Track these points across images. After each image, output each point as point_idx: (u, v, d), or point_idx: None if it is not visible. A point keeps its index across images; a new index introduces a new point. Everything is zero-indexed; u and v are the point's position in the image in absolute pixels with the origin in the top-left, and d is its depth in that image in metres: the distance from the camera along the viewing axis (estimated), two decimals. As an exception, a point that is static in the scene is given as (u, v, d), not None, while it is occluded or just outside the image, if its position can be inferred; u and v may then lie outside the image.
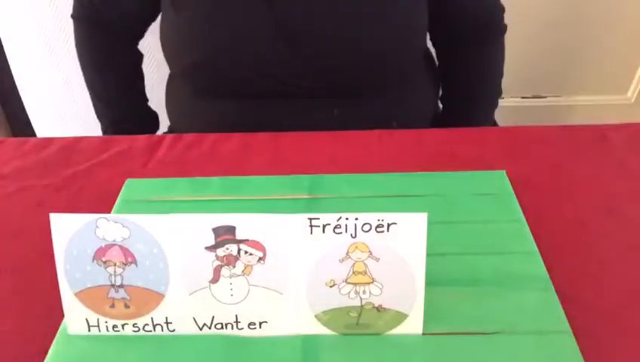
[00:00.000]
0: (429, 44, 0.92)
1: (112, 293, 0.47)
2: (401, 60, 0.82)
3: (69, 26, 0.90)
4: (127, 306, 0.48)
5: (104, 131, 0.97)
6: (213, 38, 0.77)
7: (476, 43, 0.89)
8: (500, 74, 0.93)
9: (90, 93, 0.95)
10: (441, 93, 0.95)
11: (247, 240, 0.45)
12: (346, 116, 0.82)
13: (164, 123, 0.98)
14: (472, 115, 0.93)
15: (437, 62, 0.95)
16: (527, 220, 0.59)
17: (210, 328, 0.49)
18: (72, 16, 0.91)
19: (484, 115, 0.95)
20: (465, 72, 0.93)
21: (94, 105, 0.96)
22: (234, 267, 0.46)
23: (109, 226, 0.45)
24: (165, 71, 0.93)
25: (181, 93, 0.89)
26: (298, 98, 0.80)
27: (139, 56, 0.96)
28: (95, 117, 0.97)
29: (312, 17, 0.76)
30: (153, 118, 0.99)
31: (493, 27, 0.90)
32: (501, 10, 0.90)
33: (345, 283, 0.46)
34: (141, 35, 0.94)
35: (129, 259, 0.46)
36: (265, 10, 0.76)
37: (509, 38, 0.92)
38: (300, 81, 0.79)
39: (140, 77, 0.97)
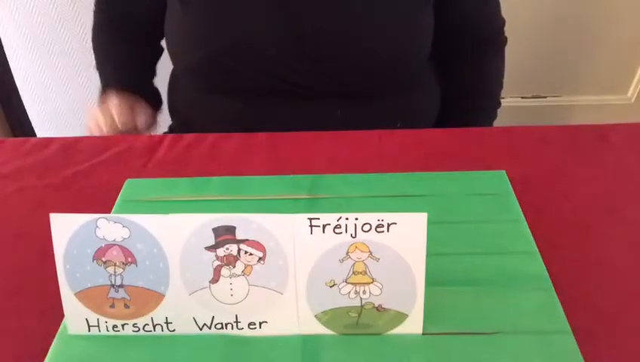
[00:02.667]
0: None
1: (112, 293, 0.47)
2: (407, 63, 0.82)
3: (69, 25, 0.90)
4: (127, 306, 0.48)
5: (103, 87, 0.90)
6: (221, 35, 0.77)
7: (476, 54, 0.89)
8: (499, 86, 0.93)
9: (96, 57, 0.94)
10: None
11: (247, 240, 0.45)
12: (349, 117, 0.82)
13: (166, 121, 0.98)
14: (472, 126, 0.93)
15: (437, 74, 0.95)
16: (527, 220, 0.59)
17: (210, 328, 0.49)
18: (94, 10, 0.93)
19: (484, 125, 0.94)
20: (464, 84, 0.92)
21: (100, 66, 0.94)
22: (234, 267, 0.46)
23: (109, 226, 0.45)
24: (167, 69, 0.93)
25: (184, 91, 0.89)
26: (303, 97, 0.80)
27: (159, 49, 0.95)
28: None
29: (321, 17, 0.76)
30: (155, 94, 0.96)
31: (493, 39, 0.90)
32: (502, 23, 0.90)
33: (345, 283, 0.46)
34: (161, 35, 0.92)
35: (129, 259, 0.46)
36: (274, 9, 0.75)
37: (510, 38, 0.92)
38: (306, 81, 0.79)
39: (155, 56, 0.96)
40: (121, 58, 0.93)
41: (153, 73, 0.97)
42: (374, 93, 0.82)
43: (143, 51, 0.94)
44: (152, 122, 0.91)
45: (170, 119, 0.96)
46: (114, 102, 0.84)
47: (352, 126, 0.75)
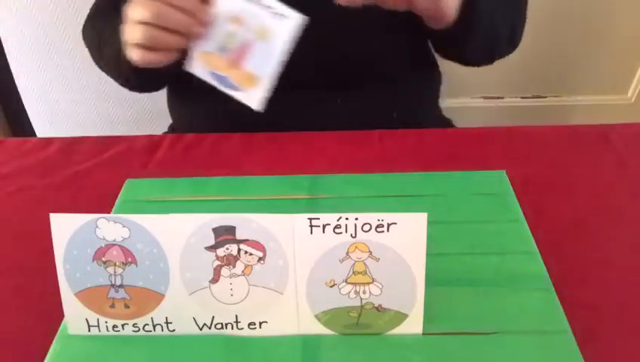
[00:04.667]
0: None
1: (112, 293, 0.47)
2: (403, 52, 0.82)
3: (69, 25, 0.89)
4: (127, 306, 0.48)
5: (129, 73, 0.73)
6: None
7: None
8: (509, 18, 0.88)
9: (94, 43, 0.84)
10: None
11: (247, 240, 0.45)
12: (347, 107, 0.82)
13: (166, 121, 0.98)
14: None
15: None
16: (527, 220, 0.59)
17: (210, 328, 0.49)
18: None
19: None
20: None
21: (103, 45, 0.80)
22: (234, 267, 0.46)
23: (109, 226, 0.45)
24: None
25: (184, 89, 0.89)
26: (301, 89, 0.80)
27: None
28: (94, 117, 0.96)
29: (316, 6, 0.76)
30: None
31: None
32: None
33: (345, 283, 0.46)
34: None
35: (129, 259, 0.46)
36: None
37: (509, 38, 0.92)
38: (303, 72, 0.79)
39: None
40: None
41: None
42: (371, 81, 0.82)
43: None
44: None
45: (170, 119, 0.96)
46: None
47: (350, 115, 0.74)
